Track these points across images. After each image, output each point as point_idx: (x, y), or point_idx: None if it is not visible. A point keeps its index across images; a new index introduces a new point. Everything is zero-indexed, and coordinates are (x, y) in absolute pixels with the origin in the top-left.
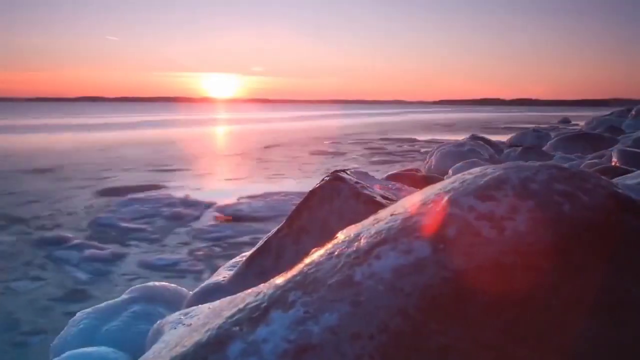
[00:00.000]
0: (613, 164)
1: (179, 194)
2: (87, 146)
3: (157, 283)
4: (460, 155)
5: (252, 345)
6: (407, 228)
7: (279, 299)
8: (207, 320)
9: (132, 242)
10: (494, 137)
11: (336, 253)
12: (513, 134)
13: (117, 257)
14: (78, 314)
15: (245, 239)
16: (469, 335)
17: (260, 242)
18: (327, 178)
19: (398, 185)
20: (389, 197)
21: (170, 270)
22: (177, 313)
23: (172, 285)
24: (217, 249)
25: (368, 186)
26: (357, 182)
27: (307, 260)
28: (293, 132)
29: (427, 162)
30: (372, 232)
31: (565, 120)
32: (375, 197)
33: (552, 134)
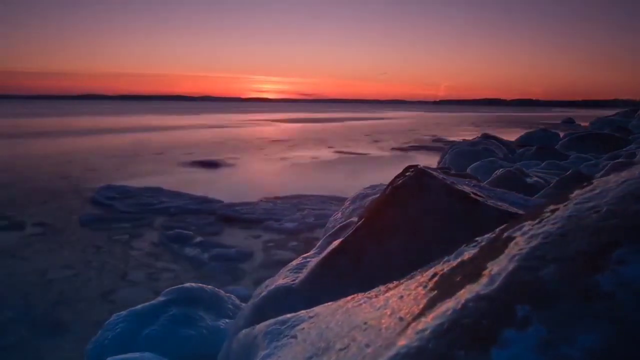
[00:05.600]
0: None
1: None
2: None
3: (193, 284)
4: (474, 154)
5: None
6: (638, 227)
7: (503, 314)
8: (328, 335)
9: None
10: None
11: (548, 257)
12: (520, 134)
13: None
14: (113, 317)
15: None
16: None
17: (335, 243)
18: (408, 174)
19: (474, 181)
20: (477, 193)
21: None
22: (271, 321)
23: (209, 286)
24: None
25: (456, 182)
26: (444, 178)
27: (491, 264)
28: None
29: (440, 162)
30: (580, 232)
31: (569, 121)
32: (469, 194)
33: (561, 134)
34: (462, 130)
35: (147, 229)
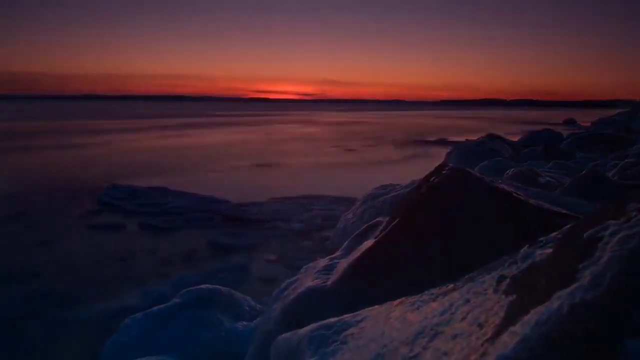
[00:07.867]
0: None
1: None
2: None
3: (209, 285)
4: (480, 154)
5: None
6: None
7: (621, 322)
8: (385, 341)
9: None
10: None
11: None
12: (523, 134)
13: None
14: (128, 319)
15: None
16: None
17: (366, 244)
18: (444, 172)
19: (507, 181)
20: (517, 192)
21: None
22: (314, 326)
23: (225, 288)
24: None
25: (494, 181)
26: (483, 177)
27: (583, 266)
28: None
29: (445, 161)
30: None
31: (571, 121)
32: (512, 194)
33: (565, 134)
34: (464, 130)
35: (153, 230)
